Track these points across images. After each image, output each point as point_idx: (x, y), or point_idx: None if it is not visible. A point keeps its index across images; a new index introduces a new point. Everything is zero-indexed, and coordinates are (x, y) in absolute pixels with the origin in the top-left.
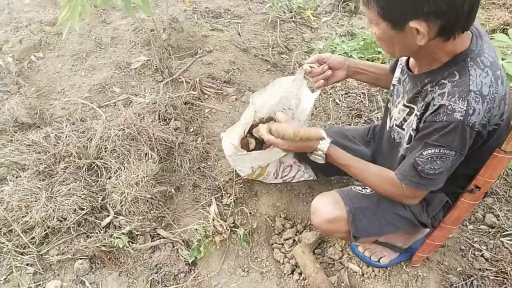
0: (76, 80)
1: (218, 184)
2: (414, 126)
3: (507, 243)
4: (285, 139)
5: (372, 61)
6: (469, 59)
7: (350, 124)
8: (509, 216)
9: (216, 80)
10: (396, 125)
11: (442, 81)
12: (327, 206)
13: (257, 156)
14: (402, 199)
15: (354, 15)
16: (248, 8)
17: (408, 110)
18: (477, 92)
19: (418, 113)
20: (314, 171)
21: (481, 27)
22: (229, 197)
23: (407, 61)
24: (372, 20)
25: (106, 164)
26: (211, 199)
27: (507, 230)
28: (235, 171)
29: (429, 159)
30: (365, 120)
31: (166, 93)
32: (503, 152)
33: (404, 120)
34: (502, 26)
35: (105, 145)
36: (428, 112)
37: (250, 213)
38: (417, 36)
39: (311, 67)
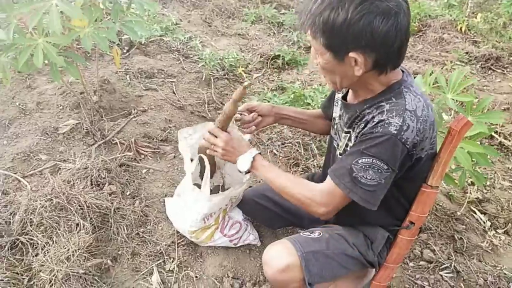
0: None
1: (160, 249)
2: (351, 145)
3: (445, 276)
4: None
5: None
6: (403, 87)
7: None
8: (443, 249)
9: (153, 139)
10: (339, 154)
11: (381, 103)
12: (279, 254)
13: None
14: (314, 207)
15: (282, 71)
16: (181, 67)
17: (348, 136)
18: (412, 112)
19: (355, 134)
20: (261, 222)
21: (408, 71)
22: (172, 262)
23: (344, 97)
24: (317, 50)
25: (32, 239)
26: (152, 267)
27: (444, 263)
28: (177, 232)
29: (363, 167)
30: (302, 168)
31: (99, 156)
32: (430, 187)
33: (347, 146)
34: (413, 76)
35: (31, 219)
36: (367, 127)
37: (196, 276)
38: (355, 67)
39: (241, 114)
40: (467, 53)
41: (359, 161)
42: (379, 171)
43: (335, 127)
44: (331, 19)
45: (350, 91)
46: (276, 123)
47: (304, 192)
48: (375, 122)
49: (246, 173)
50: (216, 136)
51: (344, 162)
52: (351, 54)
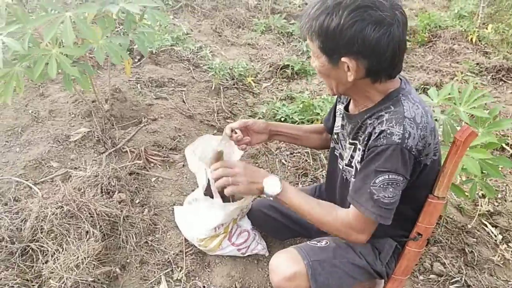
0: (10, 157)
1: (168, 258)
2: (359, 159)
3: None
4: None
5: (312, 122)
6: (401, 95)
7: (297, 183)
8: (454, 263)
9: (162, 148)
10: (345, 165)
11: (380, 113)
12: (286, 262)
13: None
14: (353, 236)
15: (291, 80)
16: (191, 76)
17: (353, 147)
18: (411, 119)
19: (361, 147)
20: (269, 233)
21: (406, 79)
22: (180, 271)
23: (346, 107)
24: (314, 53)
25: (42, 246)
26: (160, 276)
27: (454, 277)
28: (185, 240)
29: (382, 186)
30: (311, 179)
31: (109, 164)
32: (437, 198)
33: (352, 157)
34: (422, 86)
35: (41, 226)
36: (371, 139)
37: (204, 286)
38: (348, 72)
39: (232, 130)
40: (477, 64)
41: (376, 181)
42: (397, 184)
43: (336, 136)
44: (326, 23)
45: (351, 102)
46: (270, 140)
47: (340, 224)
48: (376, 134)
49: (273, 197)
50: (231, 167)
51: (361, 186)
52: (343, 59)
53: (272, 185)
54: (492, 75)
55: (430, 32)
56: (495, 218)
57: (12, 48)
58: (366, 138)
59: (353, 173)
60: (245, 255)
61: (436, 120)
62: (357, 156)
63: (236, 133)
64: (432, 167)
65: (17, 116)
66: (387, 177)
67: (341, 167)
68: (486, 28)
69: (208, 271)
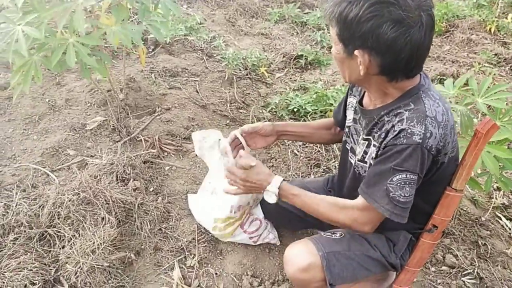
0: (28, 145)
1: (181, 245)
2: (373, 155)
3: (468, 282)
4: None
5: (326, 112)
6: (421, 92)
7: (309, 174)
8: (466, 255)
9: (176, 137)
10: (358, 160)
11: (399, 110)
12: (300, 254)
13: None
14: (358, 227)
15: (305, 71)
16: (205, 66)
17: (367, 142)
18: (432, 118)
19: (376, 143)
20: (281, 224)
21: (425, 73)
22: (193, 258)
23: (360, 101)
24: (333, 39)
25: (59, 232)
26: (174, 262)
27: (467, 269)
28: (198, 227)
29: (399, 185)
30: (323, 170)
31: (124, 153)
32: (454, 191)
33: (365, 153)
34: (438, 77)
35: (58, 212)
36: (389, 137)
37: (216, 273)
38: (360, 65)
39: (243, 136)
40: (496, 54)
41: (394, 179)
42: (413, 183)
43: (348, 130)
44: (345, 12)
45: (366, 95)
46: (278, 140)
47: (344, 217)
48: (396, 132)
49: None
50: (233, 173)
51: (377, 182)
52: (356, 52)
53: (269, 196)
54: (511, 66)
55: (448, 22)
56: (510, 211)
57: (32, 36)
58: (383, 135)
59: (367, 168)
60: (257, 243)
61: (453, 110)
62: (371, 152)
63: (238, 139)
64: (448, 164)
65: (34, 104)
66: (404, 176)
67: (353, 162)
68: (506, 18)
69: (220, 259)
